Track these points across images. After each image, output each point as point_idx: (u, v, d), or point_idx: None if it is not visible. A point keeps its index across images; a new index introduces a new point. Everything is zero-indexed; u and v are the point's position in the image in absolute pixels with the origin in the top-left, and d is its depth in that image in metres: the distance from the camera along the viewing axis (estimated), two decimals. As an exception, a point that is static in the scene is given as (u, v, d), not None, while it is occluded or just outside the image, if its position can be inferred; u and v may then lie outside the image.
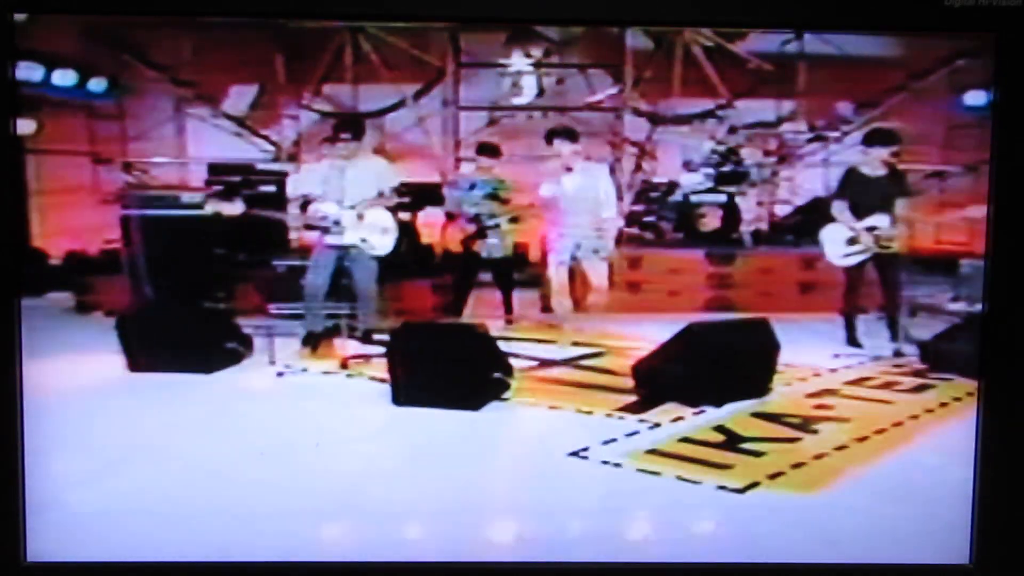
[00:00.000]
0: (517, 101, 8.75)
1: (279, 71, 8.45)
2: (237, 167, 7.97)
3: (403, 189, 7.72)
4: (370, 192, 6.79)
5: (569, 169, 6.81)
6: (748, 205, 8.11)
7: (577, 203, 6.79)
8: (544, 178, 6.91)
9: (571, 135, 6.93)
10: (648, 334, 6.72)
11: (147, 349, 6.06)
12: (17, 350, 3.59)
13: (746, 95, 8.64)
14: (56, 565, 3.61)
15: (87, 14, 5.12)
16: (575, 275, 6.88)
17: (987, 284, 3.67)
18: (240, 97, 8.70)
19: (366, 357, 6.40)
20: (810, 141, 8.57)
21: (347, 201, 6.72)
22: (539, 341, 6.93)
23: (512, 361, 6.10)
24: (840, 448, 5.12)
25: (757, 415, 5.57)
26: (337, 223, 6.66)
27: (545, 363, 6.49)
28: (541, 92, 8.76)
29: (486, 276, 7.47)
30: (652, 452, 5.11)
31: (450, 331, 6.22)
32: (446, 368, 5.60)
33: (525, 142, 8.69)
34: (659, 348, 5.85)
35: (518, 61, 8.72)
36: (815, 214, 8.21)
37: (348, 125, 7.04)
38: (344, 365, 6.32)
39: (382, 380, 5.83)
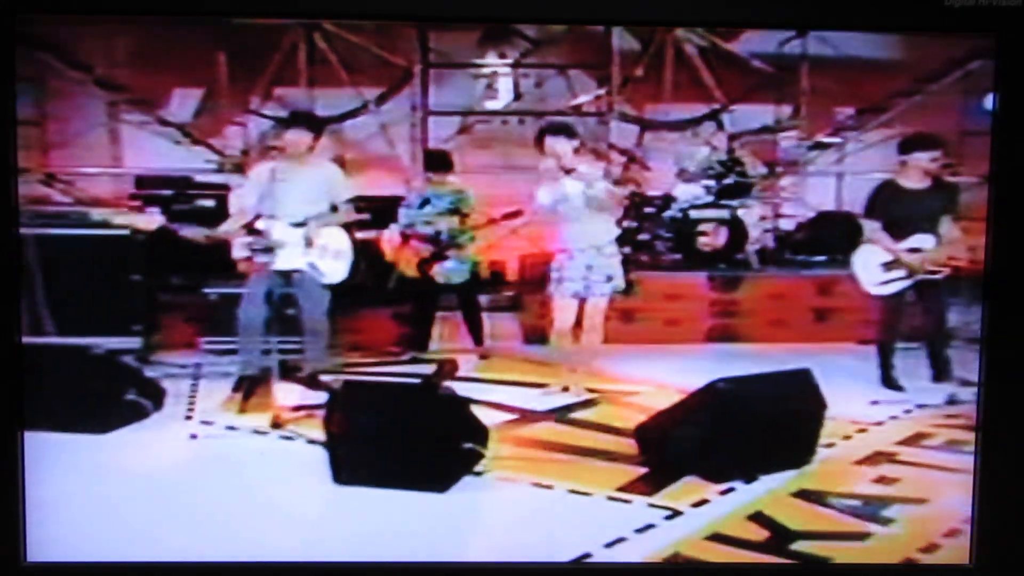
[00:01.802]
0: (492, 105, 7.01)
1: (222, 73, 6.67)
2: (169, 179, 6.18)
3: (363, 204, 6.04)
4: (320, 206, 4.97)
5: (570, 171, 4.95)
6: (752, 220, 6.38)
7: (584, 212, 4.92)
8: (537, 184, 5.03)
9: (568, 131, 5.08)
10: (644, 372, 5.28)
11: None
12: (19, 355, 3.36)
13: (743, 99, 6.98)
14: (56, 565, 3.25)
15: (87, 14, 4.44)
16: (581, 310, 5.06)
17: (987, 281, 3.29)
18: (183, 102, 6.92)
19: (309, 409, 4.60)
20: (813, 148, 6.88)
21: (292, 216, 4.90)
22: (519, 384, 5.20)
23: (487, 413, 4.42)
24: (929, 549, 3.43)
25: (802, 495, 3.85)
26: (279, 242, 4.86)
27: (527, 416, 4.73)
28: (518, 96, 7.04)
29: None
30: (675, 560, 3.38)
31: (406, 391, 4.39)
32: (401, 437, 3.83)
33: (500, 150, 7.01)
34: (672, 408, 4.12)
35: (493, 61, 6.99)
36: (824, 230, 6.58)
37: (301, 119, 5.16)
38: (277, 424, 4.51)
39: (324, 444, 4.06)
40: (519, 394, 5.02)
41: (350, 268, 4.96)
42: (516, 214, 5.43)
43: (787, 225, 6.76)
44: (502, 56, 6.98)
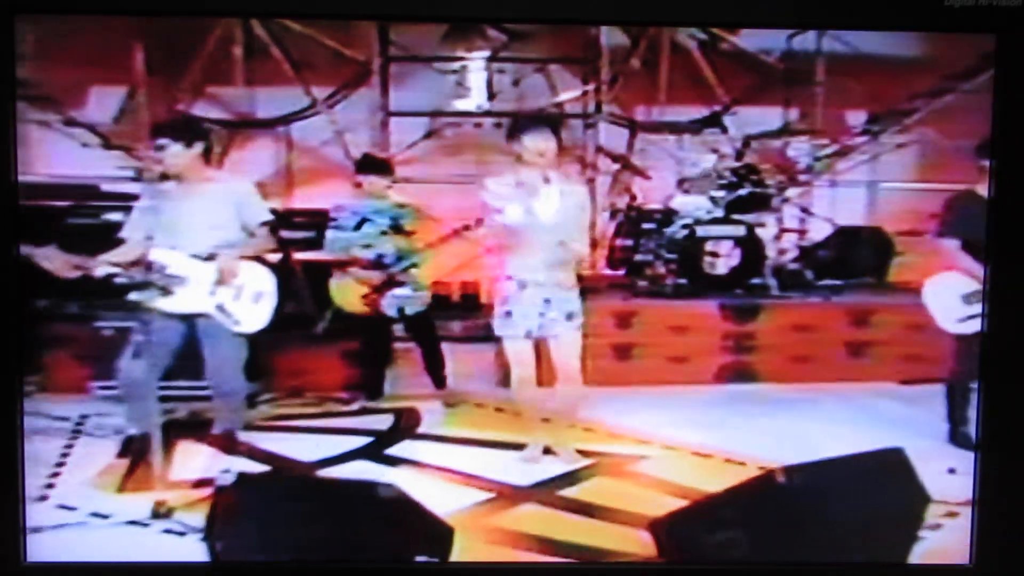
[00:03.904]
0: (463, 106, 5.67)
1: (139, 67, 5.28)
2: (66, 188, 4.77)
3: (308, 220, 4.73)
4: (230, 232, 3.58)
5: (546, 181, 3.58)
6: (769, 237, 5.10)
7: (552, 235, 3.55)
8: (506, 196, 3.59)
9: (553, 125, 3.68)
10: (647, 424, 4.03)
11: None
12: (19, 355, 3.08)
13: (750, 99, 5.69)
14: (55, 565, 2.92)
15: (87, 14, 3.92)
16: (540, 351, 3.69)
17: (987, 289, 3.07)
18: (102, 102, 5.51)
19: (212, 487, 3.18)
20: (833, 155, 5.59)
21: (194, 246, 3.52)
22: (492, 444, 3.85)
23: (452, 493, 3.12)
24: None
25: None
26: (178, 279, 3.48)
27: (504, 495, 3.36)
28: (492, 95, 5.70)
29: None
30: None
31: (332, 489, 2.95)
32: (327, 547, 2.45)
33: (473, 156, 5.66)
34: (709, 503, 2.78)
35: (464, 56, 5.66)
36: (850, 247, 5.31)
37: (175, 127, 3.73)
38: (161, 512, 3.08)
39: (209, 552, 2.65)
40: (494, 459, 3.68)
41: (273, 312, 3.59)
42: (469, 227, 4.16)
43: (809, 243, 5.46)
44: (474, 49, 5.67)
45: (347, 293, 4.22)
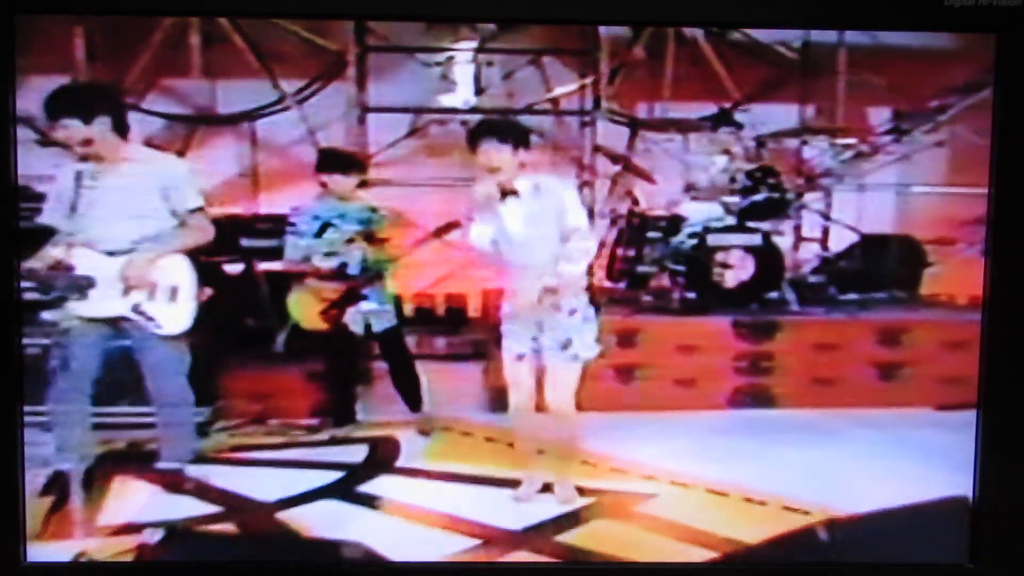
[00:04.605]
0: (448, 101, 5.38)
1: (79, 54, 4.98)
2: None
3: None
4: (156, 220, 3.26)
5: (510, 193, 3.34)
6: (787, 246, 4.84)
7: (530, 251, 3.31)
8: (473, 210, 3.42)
9: (515, 135, 3.41)
10: (651, 456, 3.70)
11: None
12: (18, 351, 2.85)
13: (764, 95, 5.41)
14: (55, 565, 2.97)
15: (87, 14, 3.96)
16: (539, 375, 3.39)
17: (987, 289, 3.03)
18: (38, 94, 5.19)
19: (148, 534, 2.83)
20: (857, 157, 5.32)
21: (112, 240, 3.20)
22: (481, 480, 3.50)
23: (432, 540, 2.85)
24: None
25: None
26: (89, 279, 3.14)
27: (493, 541, 3.02)
28: (481, 89, 5.42)
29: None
30: None
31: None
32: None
33: (460, 157, 5.35)
34: (741, 560, 2.46)
35: (449, 46, 5.39)
36: (877, 258, 5.05)
37: (67, 100, 3.24)
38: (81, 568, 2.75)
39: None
40: (482, 498, 3.35)
41: (197, 312, 3.25)
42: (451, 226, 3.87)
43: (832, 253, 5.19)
44: (460, 40, 5.39)
45: (305, 307, 3.90)
